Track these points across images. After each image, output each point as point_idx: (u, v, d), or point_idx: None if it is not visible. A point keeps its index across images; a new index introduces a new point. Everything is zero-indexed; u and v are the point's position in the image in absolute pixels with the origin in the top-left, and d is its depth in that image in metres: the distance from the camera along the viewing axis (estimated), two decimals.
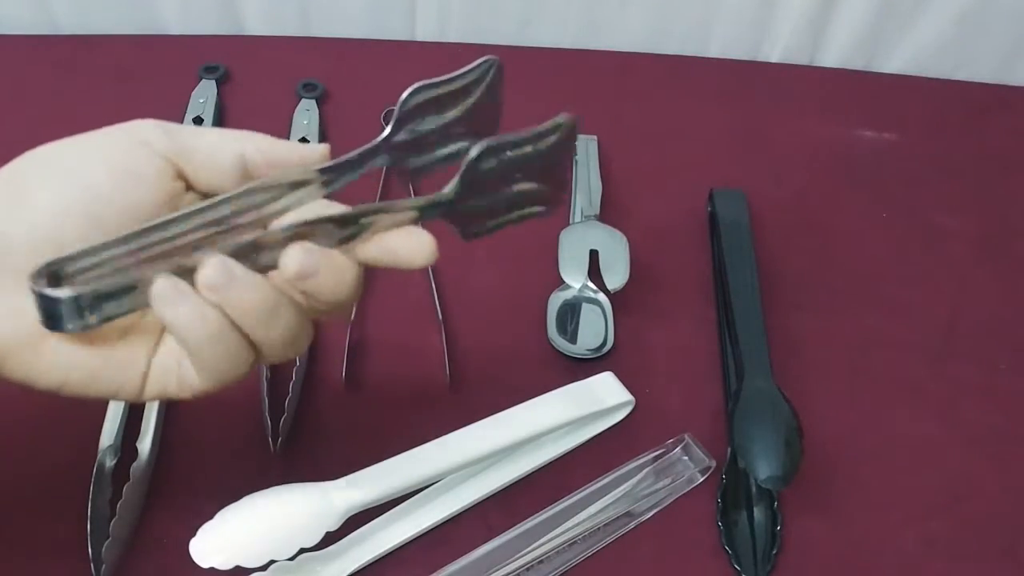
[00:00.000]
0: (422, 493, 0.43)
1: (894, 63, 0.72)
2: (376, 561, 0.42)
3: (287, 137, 0.60)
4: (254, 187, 0.31)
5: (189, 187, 0.32)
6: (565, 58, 0.71)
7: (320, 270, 0.29)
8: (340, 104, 0.64)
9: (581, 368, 0.50)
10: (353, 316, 0.50)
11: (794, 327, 0.53)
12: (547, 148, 0.33)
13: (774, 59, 0.73)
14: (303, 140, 0.60)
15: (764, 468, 0.42)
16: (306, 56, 0.69)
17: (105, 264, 0.29)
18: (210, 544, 0.36)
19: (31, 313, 0.28)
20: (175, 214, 0.30)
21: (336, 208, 0.31)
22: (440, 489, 0.44)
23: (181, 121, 0.60)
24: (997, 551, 0.45)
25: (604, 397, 0.47)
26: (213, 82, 0.64)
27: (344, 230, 0.30)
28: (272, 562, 0.38)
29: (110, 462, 0.43)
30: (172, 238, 0.30)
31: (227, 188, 0.31)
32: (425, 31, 0.71)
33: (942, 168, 0.65)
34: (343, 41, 0.70)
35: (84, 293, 0.28)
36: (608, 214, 0.58)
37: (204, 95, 0.63)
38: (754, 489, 0.46)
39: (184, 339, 0.29)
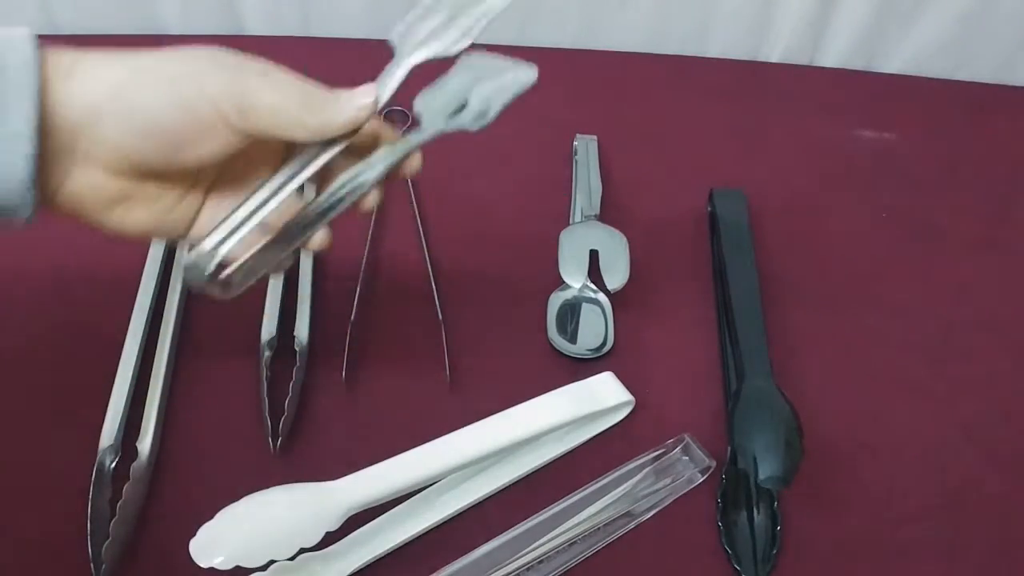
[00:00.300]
0: (422, 493, 0.44)
1: (894, 63, 0.72)
2: (376, 561, 0.42)
3: None
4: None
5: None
6: (565, 58, 0.71)
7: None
8: None
9: (581, 368, 0.50)
10: (354, 316, 0.50)
11: (794, 327, 0.53)
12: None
13: (774, 59, 0.73)
14: None
15: (764, 468, 0.42)
16: (306, 56, 0.68)
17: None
18: (210, 544, 0.36)
19: (103, 192, 0.35)
20: (267, 192, 0.37)
21: (394, 157, 0.38)
22: (440, 489, 0.44)
23: None
24: (997, 551, 0.45)
25: (604, 397, 0.47)
26: None
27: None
28: (272, 562, 0.38)
29: (110, 462, 0.43)
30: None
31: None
32: None
33: (942, 168, 0.65)
34: (343, 41, 0.70)
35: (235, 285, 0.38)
36: (608, 214, 0.58)
37: None
38: (754, 489, 0.46)
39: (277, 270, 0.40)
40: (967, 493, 0.47)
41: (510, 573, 0.41)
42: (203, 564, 0.36)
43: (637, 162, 0.63)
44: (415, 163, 0.39)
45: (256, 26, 0.70)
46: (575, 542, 0.43)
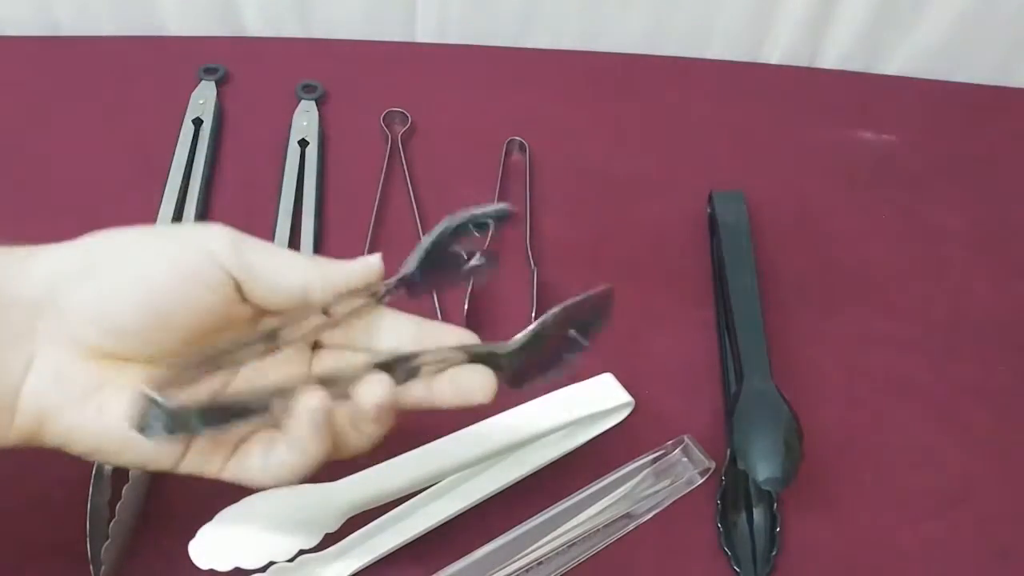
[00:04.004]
0: (422, 494, 0.43)
1: (894, 64, 0.72)
2: (376, 562, 0.42)
3: (287, 139, 0.60)
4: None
5: (244, 298, 0.33)
6: (565, 59, 0.71)
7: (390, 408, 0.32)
8: (340, 105, 0.64)
9: (580, 369, 0.50)
10: None
11: (794, 327, 0.53)
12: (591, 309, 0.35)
13: (774, 61, 0.73)
14: (303, 142, 0.60)
15: (764, 469, 0.42)
16: (306, 57, 0.69)
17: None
18: (209, 545, 0.36)
19: (74, 379, 0.30)
20: (245, 340, 0.32)
21: (410, 347, 0.33)
22: (439, 490, 0.44)
23: (180, 123, 0.60)
24: (996, 551, 0.45)
25: (604, 398, 0.47)
26: (213, 83, 0.64)
27: (408, 364, 0.32)
28: (271, 563, 0.38)
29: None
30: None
31: (281, 308, 0.33)
32: (425, 32, 0.71)
33: (942, 168, 0.65)
34: (343, 42, 0.70)
35: (212, 407, 0.29)
36: (607, 215, 0.57)
37: (204, 96, 0.63)
38: (753, 490, 0.46)
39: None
40: (967, 494, 0.47)
41: (510, 574, 0.41)
42: (202, 565, 0.36)
43: (637, 163, 0.63)
44: (481, 390, 0.35)
45: (256, 26, 0.70)
46: (574, 544, 0.43)
